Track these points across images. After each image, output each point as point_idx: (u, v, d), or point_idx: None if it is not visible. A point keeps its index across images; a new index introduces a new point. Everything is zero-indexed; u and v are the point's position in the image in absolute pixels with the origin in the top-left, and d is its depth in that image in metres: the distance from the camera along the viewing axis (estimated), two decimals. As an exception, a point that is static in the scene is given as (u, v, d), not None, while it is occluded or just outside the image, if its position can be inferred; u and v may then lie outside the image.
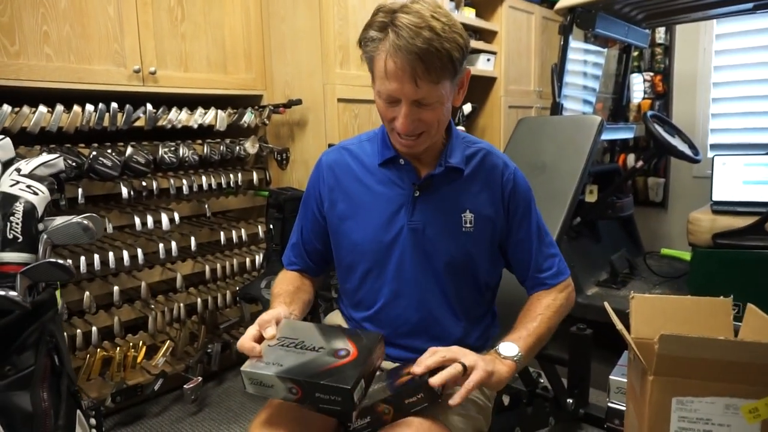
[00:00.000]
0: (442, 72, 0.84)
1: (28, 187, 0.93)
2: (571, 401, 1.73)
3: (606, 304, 0.74)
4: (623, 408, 0.85)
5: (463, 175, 1.03)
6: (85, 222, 1.00)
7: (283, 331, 0.83)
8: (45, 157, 1.06)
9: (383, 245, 1.01)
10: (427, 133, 0.93)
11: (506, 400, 1.72)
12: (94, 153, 1.67)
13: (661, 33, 3.29)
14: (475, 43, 2.96)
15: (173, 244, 1.92)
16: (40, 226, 0.96)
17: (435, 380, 0.77)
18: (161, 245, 1.91)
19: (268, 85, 2.31)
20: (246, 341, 0.81)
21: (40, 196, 0.96)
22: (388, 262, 1.02)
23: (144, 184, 1.88)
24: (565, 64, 2.22)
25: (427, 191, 1.02)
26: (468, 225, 1.01)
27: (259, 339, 0.83)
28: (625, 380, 0.85)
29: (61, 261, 0.92)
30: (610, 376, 0.81)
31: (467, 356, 0.82)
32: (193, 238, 2.01)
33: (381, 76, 0.87)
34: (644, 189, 3.52)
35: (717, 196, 2.24)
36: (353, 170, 1.06)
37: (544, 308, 1.01)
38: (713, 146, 3.26)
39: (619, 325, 0.67)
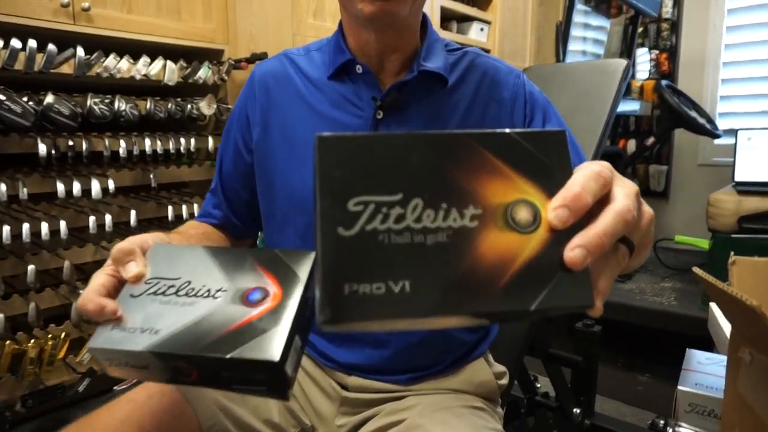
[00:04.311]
0: None
1: None
2: (578, 411, 1.46)
3: (696, 269, 0.45)
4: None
5: (447, 86, 0.75)
6: None
7: (155, 268, 0.51)
8: None
9: None
10: None
11: (502, 408, 1.45)
12: (1, 97, 1.35)
13: (668, 7, 3.04)
14: (468, 9, 2.68)
15: (108, 217, 1.61)
16: None
17: (576, 255, 0.35)
18: (92, 218, 1.59)
19: (231, 38, 2.00)
20: (91, 296, 0.48)
21: None
22: None
23: (71, 143, 1.56)
24: (570, 24, 1.95)
25: (395, 110, 0.74)
26: None
27: (114, 289, 0.51)
28: (702, 393, 0.57)
29: None
30: (679, 387, 0.53)
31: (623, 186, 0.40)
32: (133, 212, 1.70)
33: None
34: (645, 177, 3.28)
35: (740, 176, 1.99)
36: (295, 86, 0.78)
37: None
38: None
39: (747, 299, 0.38)
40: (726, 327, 0.76)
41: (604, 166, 0.38)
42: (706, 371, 0.61)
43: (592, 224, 0.35)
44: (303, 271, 0.48)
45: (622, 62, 1.21)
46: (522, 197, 0.36)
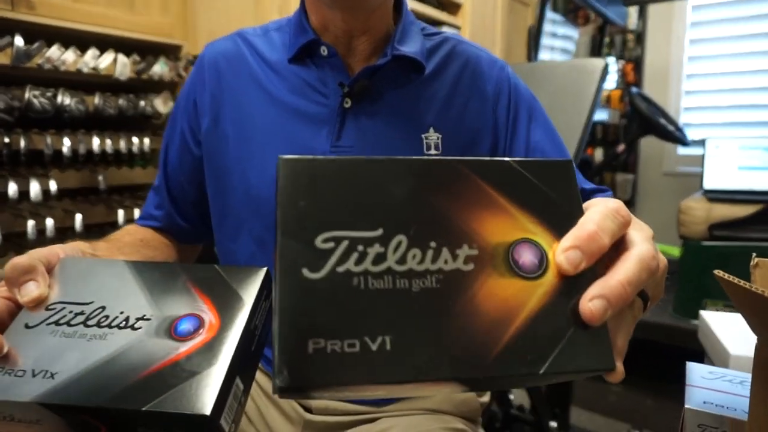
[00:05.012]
0: None
1: None
2: (555, 424, 1.40)
3: (717, 272, 0.39)
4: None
5: (424, 74, 0.67)
6: None
7: (62, 289, 0.40)
8: None
9: None
10: None
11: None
12: None
13: (633, 18, 3.08)
14: (437, 13, 2.64)
15: (49, 221, 1.47)
16: None
17: (596, 307, 0.29)
18: (31, 222, 1.45)
19: (190, 34, 1.89)
20: None
21: None
22: None
23: (6, 140, 1.42)
24: (542, 27, 1.92)
25: (365, 99, 0.66)
26: (433, 152, 0.67)
27: (9, 316, 0.39)
28: (713, 413, 0.50)
29: None
30: (687, 405, 0.46)
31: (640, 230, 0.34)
32: (79, 216, 1.56)
33: None
34: (612, 186, 3.30)
35: (709, 183, 1.99)
36: (251, 69, 0.69)
37: None
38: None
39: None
40: (725, 338, 0.70)
41: (620, 204, 0.32)
42: (712, 387, 0.55)
43: (612, 271, 0.30)
44: (249, 293, 0.38)
45: (601, 61, 1.17)
46: (525, 236, 0.31)
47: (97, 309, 0.38)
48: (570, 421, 1.58)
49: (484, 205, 0.31)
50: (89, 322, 0.37)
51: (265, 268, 0.40)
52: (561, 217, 0.32)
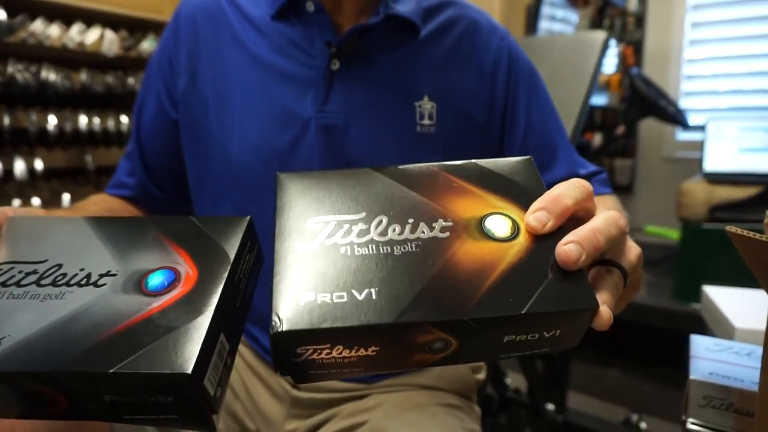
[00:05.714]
0: None
1: None
2: (552, 407, 1.38)
3: (729, 228, 0.37)
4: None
5: (419, 37, 0.63)
6: None
7: (11, 249, 0.36)
8: None
9: (274, 156, 0.61)
10: None
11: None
12: None
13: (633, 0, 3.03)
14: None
15: (35, 201, 1.44)
16: None
17: (570, 249, 0.32)
18: (17, 202, 1.42)
19: (180, 10, 1.84)
20: None
21: None
22: None
23: (-10, 116, 1.38)
24: (540, 7, 1.88)
25: (354, 61, 0.62)
26: (427, 121, 0.63)
27: None
28: (721, 384, 0.48)
29: None
30: (692, 376, 0.43)
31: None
32: (67, 197, 1.53)
33: None
34: (610, 171, 3.27)
35: (710, 165, 1.96)
36: (230, 26, 0.65)
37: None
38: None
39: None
40: (729, 312, 0.68)
41: (583, 180, 0.36)
42: (718, 359, 0.52)
43: (582, 225, 0.33)
44: (231, 243, 0.34)
45: (601, 34, 1.13)
46: (496, 211, 0.35)
47: (52, 267, 0.34)
48: (567, 404, 1.56)
49: (456, 192, 0.36)
50: (43, 282, 0.33)
51: (248, 217, 0.36)
52: (528, 197, 0.35)
